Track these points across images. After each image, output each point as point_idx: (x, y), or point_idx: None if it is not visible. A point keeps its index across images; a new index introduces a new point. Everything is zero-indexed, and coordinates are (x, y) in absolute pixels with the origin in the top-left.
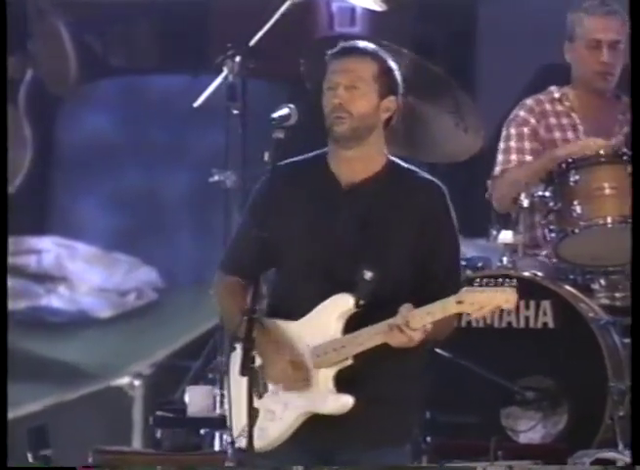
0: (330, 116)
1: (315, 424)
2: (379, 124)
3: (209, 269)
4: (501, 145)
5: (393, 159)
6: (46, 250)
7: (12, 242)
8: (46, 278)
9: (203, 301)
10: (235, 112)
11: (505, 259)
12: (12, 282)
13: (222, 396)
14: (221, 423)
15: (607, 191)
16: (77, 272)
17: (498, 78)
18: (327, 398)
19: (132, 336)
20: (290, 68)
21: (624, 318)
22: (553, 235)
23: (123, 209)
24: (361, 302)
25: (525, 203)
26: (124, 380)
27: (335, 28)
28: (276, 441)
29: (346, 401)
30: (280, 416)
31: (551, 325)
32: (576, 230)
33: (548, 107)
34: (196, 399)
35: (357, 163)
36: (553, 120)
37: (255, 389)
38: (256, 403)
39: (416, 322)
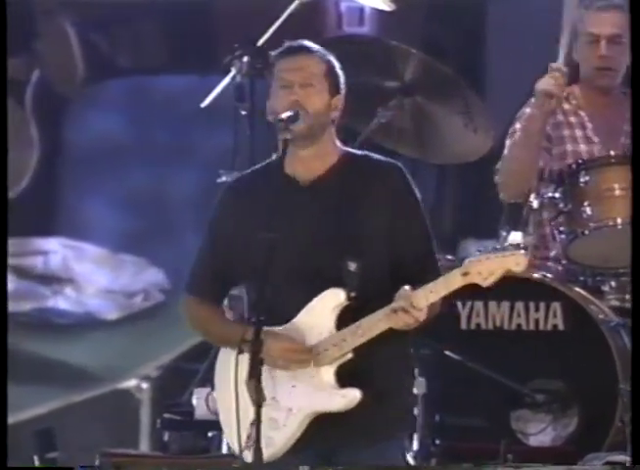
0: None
1: (316, 424)
2: (330, 122)
3: None
4: (507, 142)
5: (347, 149)
6: (53, 251)
7: (18, 243)
8: (53, 279)
9: None
10: (243, 112)
11: None
12: (18, 283)
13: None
14: None
15: (617, 192)
16: (84, 274)
17: (507, 78)
18: (333, 395)
19: (139, 338)
20: None
21: None
22: (563, 236)
23: (130, 210)
24: (352, 294)
25: (535, 204)
26: (131, 382)
27: (343, 28)
28: (282, 449)
29: (354, 395)
30: (283, 423)
31: (561, 327)
32: (586, 231)
33: None
34: (203, 401)
35: (313, 160)
36: (561, 118)
37: (254, 398)
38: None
39: (420, 302)
